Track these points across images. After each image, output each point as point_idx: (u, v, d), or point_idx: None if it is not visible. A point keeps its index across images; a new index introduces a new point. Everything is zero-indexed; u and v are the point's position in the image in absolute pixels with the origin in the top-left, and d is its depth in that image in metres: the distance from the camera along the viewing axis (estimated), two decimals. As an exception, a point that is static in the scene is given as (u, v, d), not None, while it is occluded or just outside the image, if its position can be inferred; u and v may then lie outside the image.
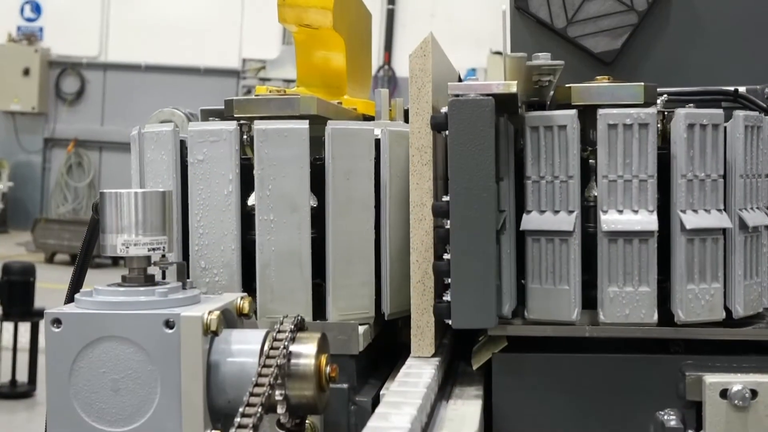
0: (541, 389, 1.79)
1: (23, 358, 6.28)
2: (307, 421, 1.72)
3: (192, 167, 1.85)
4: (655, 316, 1.73)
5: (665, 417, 1.71)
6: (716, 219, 1.75)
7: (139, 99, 14.49)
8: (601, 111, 1.74)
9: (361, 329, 1.82)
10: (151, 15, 15.36)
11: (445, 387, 1.80)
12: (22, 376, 6.37)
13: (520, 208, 1.79)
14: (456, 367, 1.96)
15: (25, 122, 15.73)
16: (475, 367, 1.82)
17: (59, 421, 1.53)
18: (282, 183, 1.82)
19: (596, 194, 1.76)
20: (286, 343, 1.50)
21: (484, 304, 1.67)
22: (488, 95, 1.66)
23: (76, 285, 1.89)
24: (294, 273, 1.82)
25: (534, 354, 1.80)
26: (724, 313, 1.77)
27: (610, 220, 1.72)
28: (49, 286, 7.23)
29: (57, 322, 1.52)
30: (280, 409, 1.50)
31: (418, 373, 1.59)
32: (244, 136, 1.89)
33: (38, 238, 12.83)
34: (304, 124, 1.83)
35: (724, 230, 1.76)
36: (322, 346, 1.56)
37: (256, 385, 1.43)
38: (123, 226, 1.56)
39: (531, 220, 1.77)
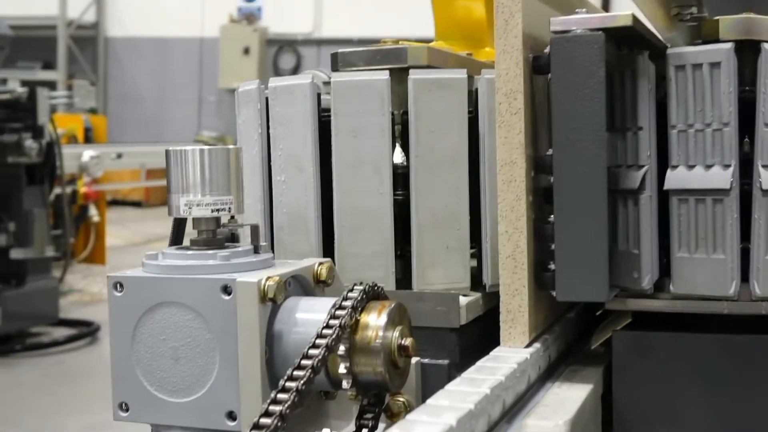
0: (671, 373, 1.55)
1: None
2: (401, 399, 1.57)
3: (238, 128, 1.79)
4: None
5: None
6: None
7: (353, 73, 14.61)
8: (670, 51, 1.49)
9: (464, 300, 1.65)
10: (361, -11, 15.51)
11: (558, 367, 1.60)
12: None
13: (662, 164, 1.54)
14: (581, 344, 1.74)
15: (246, 100, 16.23)
16: (593, 346, 1.61)
17: (124, 388, 1.44)
18: (290, 142, 1.70)
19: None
20: (350, 310, 1.35)
21: (594, 273, 1.45)
22: (597, 30, 1.44)
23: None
24: (301, 237, 1.69)
25: (662, 333, 1.57)
26: None
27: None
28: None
29: (119, 285, 1.44)
30: (345, 384, 1.36)
31: (493, 369, 1.34)
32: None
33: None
34: (307, 79, 1.70)
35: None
36: (396, 317, 1.40)
37: (312, 346, 1.29)
38: (186, 185, 1.45)
39: (677, 177, 1.50)
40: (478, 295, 1.69)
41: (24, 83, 7.21)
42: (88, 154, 8.83)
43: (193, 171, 1.45)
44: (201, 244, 1.48)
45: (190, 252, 1.45)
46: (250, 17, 16.02)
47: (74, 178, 8.78)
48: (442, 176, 1.65)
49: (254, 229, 1.52)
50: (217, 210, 1.45)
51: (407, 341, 1.39)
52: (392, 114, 1.69)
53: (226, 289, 1.37)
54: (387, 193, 1.66)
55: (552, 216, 1.48)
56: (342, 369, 1.35)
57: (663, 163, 1.53)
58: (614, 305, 1.55)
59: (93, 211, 9.11)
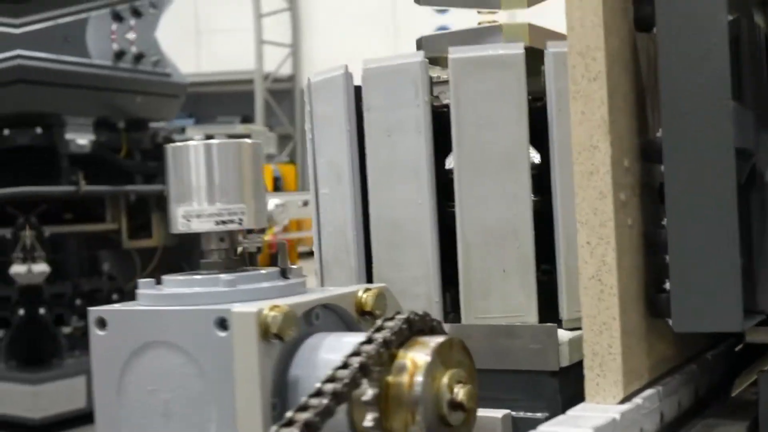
0: None
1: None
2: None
3: None
4: None
5: None
6: None
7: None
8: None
9: (566, 335, 1.27)
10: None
11: (690, 421, 1.18)
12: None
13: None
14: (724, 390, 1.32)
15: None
16: (733, 393, 1.20)
17: (110, 453, 1.15)
18: (329, 148, 1.41)
19: None
20: (376, 350, 1.01)
21: (723, 294, 1.05)
22: (716, -32, 1.05)
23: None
24: (342, 259, 1.39)
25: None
26: None
27: None
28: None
29: (101, 323, 1.15)
30: (379, 452, 1.01)
31: None
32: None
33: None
34: (340, 70, 1.38)
35: None
36: (448, 358, 1.05)
37: (314, 395, 0.95)
38: (186, 191, 1.15)
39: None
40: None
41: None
42: (273, 202, 8.76)
43: (196, 173, 1.15)
44: (210, 267, 1.18)
45: (193, 277, 1.15)
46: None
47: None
48: (495, 181, 1.29)
49: (281, 248, 1.20)
50: (223, 222, 1.14)
51: (461, 391, 1.03)
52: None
53: (223, 324, 1.05)
54: (427, 203, 1.32)
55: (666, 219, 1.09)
56: (368, 423, 1.01)
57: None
58: (758, 336, 1.13)
59: (282, 261, 9.02)
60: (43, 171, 5.51)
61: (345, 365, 0.99)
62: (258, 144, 1.19)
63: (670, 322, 1.08)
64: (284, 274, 1.18)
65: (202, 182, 1.14)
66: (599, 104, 1.04)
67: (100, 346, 1.14)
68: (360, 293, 1.18)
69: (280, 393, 1.07)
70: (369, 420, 1.00)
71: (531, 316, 1.28)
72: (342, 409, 1.03)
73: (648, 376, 1.09)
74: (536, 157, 1.32)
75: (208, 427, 1.07)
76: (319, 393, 0.96)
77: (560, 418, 0.98)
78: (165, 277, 1.17)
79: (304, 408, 0.94)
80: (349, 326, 1.18)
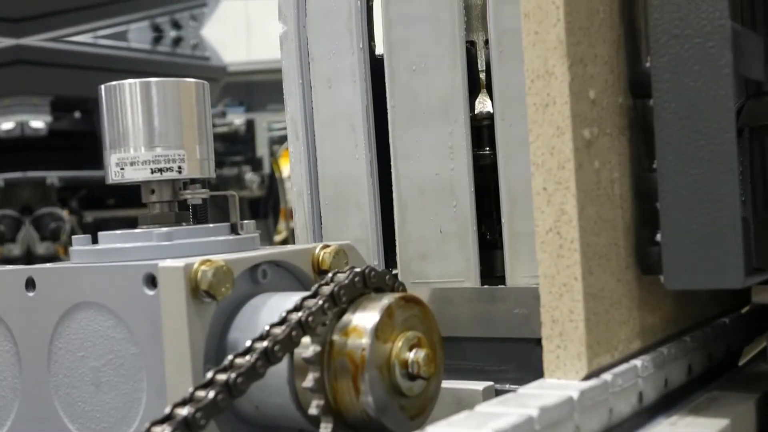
0: None
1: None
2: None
3: None
4: None
5: None
6: None
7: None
8: None
9: (555, 299, 1.13)
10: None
11: (690, 394, 1.04)
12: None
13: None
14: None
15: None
16: (740, 363, 1.05)
17: (41, 426, 1.04)
18: (289, 103, 1.32)
19: None
20: (313, 308, 0.88)
21: (721, 247, 0.91)
22: None
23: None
24: (300, 221, 1.30)
25: None
26: None
27: None
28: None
29: (30, 284, 1.04)
30: (324, 427, 0.89)
31: (485, 417, 0.75)
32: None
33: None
34: (293, 22, 1.30)
35: None
36: (401, 318, 0.92)
37: (219, 370, 0.83)
38: (119, 136, 1.04)
39: None
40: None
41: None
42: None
43: (131, 115, 1.03)
44: (147, 221, 1.07)
45: (129, 232, 1.04)
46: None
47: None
48: (430, 132, 1.18)
49: (231, 201, 1.08)
50: (160, 170, 1.03)
51: (417, 357, 0.91)
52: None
53: (152, 281, 0.94)
54: (364, 158, 1.23)
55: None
56: (313, 408, 0.89)
57: None
58: (765, 296, 0.99)
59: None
60: (83, 156, 5.47)
61: (282, 321, 0.87)
62: (203, 84, 1.08)
63: (662, 279, 0.94)
64: (234, 229, 1.07)
65: (137, 126, 1.03)
66: (554, 21, 0.89)
67: (29, 309, 1.03)
68: (317, 251, 1.06)
69: (217, 358, 0.95)
70: (309, 380, 0.88)
71: (470, 281, 1.15)
72: (281, 374, 0.92)
73: (626, 349, 0.95)
74: (489, 106, 1.20)
75: (139, 398, 0.96)
76: (246, 352, 0.84)
77: (508, 396, 0.83)
78: (101, 233, 1.06)
79: (225, 369, 0.82)
80: (306, 286, 1.06)
